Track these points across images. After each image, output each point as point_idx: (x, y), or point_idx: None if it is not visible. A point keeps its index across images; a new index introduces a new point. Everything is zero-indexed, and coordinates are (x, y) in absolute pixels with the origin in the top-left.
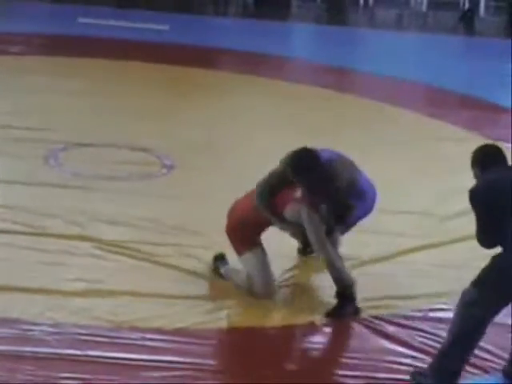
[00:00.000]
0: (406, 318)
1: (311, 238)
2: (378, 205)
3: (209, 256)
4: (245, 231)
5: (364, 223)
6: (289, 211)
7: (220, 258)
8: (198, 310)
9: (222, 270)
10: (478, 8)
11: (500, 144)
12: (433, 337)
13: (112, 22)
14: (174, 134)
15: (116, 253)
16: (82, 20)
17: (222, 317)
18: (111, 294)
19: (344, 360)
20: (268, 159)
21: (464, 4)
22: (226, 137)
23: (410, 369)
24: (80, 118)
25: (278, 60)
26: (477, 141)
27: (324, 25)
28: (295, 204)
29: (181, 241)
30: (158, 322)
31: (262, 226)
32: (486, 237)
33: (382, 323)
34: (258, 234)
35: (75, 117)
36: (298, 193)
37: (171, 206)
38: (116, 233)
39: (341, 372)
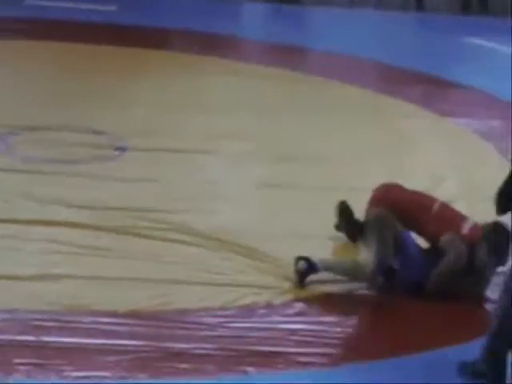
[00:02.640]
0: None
1: (452, 261)
2: (331, 182)
3: (160, 237)
4: None
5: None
6: (449, 237)
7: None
8: (150, 293)
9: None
10: None
11: (450, 120)
12: None
13: (59, 4)
14: (126, 116)
15: (69, 236)
16: (28, 2)
17: (173, 299)
18: (64, 278)
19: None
20: (219, 141)
21: None
22: (179, 118)
23: None
24: (28, 102)
25: (231, 40)
26: (426, 117)
27: (276, 3)
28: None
29: (134, 223)
30: (112, 305)
31: None
32: (499, 206)
33: None
34: None
35: (23, 100)
36: (465, 229)
37: (124, 188)
38: (69, 216)
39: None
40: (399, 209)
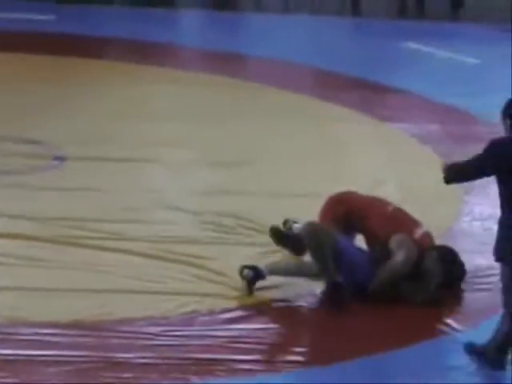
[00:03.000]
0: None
1: (396, 265)
2: (269, 188)
3: (100, 246)
4: None
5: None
6: (398, 240)
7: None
8: (90, 303)
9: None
10: None
11: (388, 124)
12: None
13: None
14: (64, 125)
15: (6, 247)
16: None
17: (114, 308)
18: (3, 289)
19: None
20: (160, 149)
21: None
22: (118, 127)
23: None
24: None
25: (168, 48)
26: (365, 122)
27: (211, 10)
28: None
29: (73, 233)
30: (52, 316)
31: None
32: (460, 175)
33: None
34: None
35: None
36: (418, 234)
37: (63, 197)
38: (6, 227)
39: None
40: (352, 212)
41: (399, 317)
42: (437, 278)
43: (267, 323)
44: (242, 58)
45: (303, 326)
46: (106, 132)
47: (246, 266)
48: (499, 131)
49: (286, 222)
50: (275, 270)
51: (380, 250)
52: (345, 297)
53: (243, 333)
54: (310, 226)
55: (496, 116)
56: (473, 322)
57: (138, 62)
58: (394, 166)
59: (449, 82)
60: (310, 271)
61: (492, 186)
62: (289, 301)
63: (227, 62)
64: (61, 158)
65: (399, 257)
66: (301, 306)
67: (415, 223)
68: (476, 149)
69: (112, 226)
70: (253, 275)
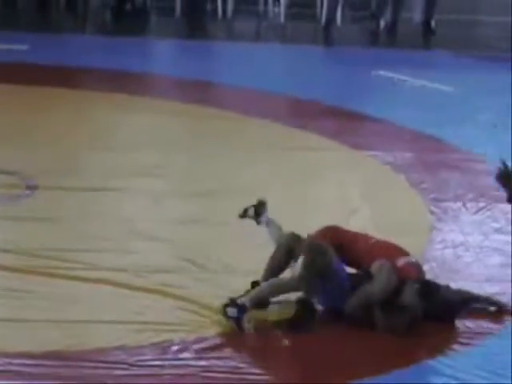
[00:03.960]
0: None
1: (376, 288)
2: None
3: (76, 277)
4: None
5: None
6: (379, 265)
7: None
8: (64, 333)
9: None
10: (334, 17)
11: (361, 152)
12: None
13: None
14: (36, 155)
15: None
16: None
17: (88, 339)
18: None
19: None
20: (132, 179)
21: (321, 15)
22: (90, 156)
23: None
24: None
25: (140, 76)
26: (338, 150)
27: (184, 39)
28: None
29: (46, 263)
30: (26, 346)
31: None
32: None
33: None
34: None
35: None
36: (401, 262)
37: (35, 227)
38: None
39: None
40: (338, 245)
41: (371, 345)
42: (414, 312)
43: (241, 351)
44: (214, 87)
45: (277, 354)
46: (78, 161)
47: (226, 305)
48: (472, 158)
49: (254, 284)
50: (258, 300)
51: (362, 275)
52: (314, 321)
53: (217, 362)
54: (311, 241)
55: (469, 144)
56: (446, 350)
57: (109, 90)
58: (367, 194)
59: (422, 109)
60: (289, 288)
61: (464, 214)
62: (262, 328)
63: (199, 91)
64: (33, 188)
65: (377, 282)
66: (275, 332)
67: (400, 252)
68: (449, 177)
69: (85, 255)
70: (237, 312)
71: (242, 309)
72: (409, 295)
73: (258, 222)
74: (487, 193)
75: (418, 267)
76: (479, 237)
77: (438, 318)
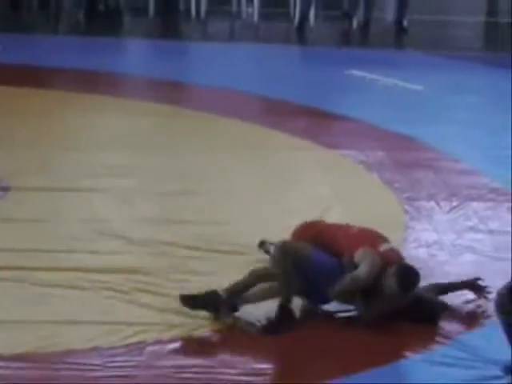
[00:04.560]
0: None
1: (362, 272)
2: (215, 217)
3: (48, 278)
4: None
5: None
6: (362, 253)
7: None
8: (36, 335)
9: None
10: (307, 17)
11: (335, 151)
12: None
13: None
14: (7, 156)
15: None
16: None
17: (61, 340)
18: None
19: None
20: (103, 179)
21: (294, 15)
22: (61, 156)
23: None
24: None
25: (113, 77)
26: (311, 149)
27: (157, 39)
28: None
29: (17, 264)
30: None
31: None
32: None
33: None
34: None
35: None
36: (383, 248)
37: (9, 228)
38: None
39: None
40: (320, 237)
41: (352, 342)
42: (391, 298)
43: (215, 351)
44: (187, 87)
45: (252, 353)
46: (49, 162)
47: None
48: (444, 157)
49: (262, 244)
50: (245, 301)
51: (347, 264)
52: (292, 323)
53: (191, 362)
54: (283, 243)
55: (441, 143)
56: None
57: (82, 91)
58: (341, 193)
59: (394, 108)
60: (276, 292)
61: (437, 213)
62: (237, 327)
63: (173, 91)
64: (5, 189)
65: (362, 267)
66: (249, 332)
67: (381, 239)
68: (422, 176)
69: (56, 255)
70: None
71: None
72: (388, 280)
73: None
74: (460, 191)
75: (398, 253)
76: (452, 235)
77: (420, 320)
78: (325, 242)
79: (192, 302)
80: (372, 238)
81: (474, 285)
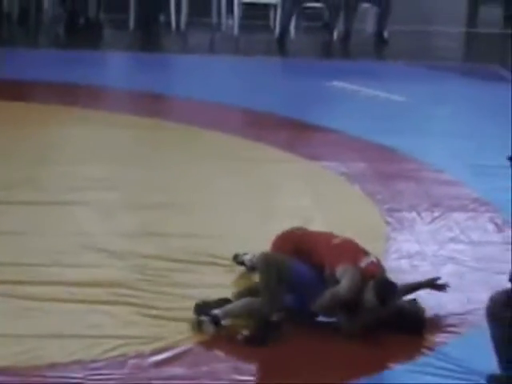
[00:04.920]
0: None
1: (341, 288)
2: (197, 229)
3: (31, 292)
4: None
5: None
6: (342, 269)
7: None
8: (18, 349)
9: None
10: (288, 28)
11: (316, 163)
12: None
13: None
14: None
15: None
16: None
17: (42, 353)
18: None
19: None
20: (85, 192)
21: (275, 27)
22: (42, 170)
23: None
24: None
25: (94, 89)
26: (293, 161)
27: (137, 51)
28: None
29: (3, 277)
30: None
31: None
32: None
33: None
34: None
35: None
36: (364, 263)
37: None
38: None
39: None
40: (300, 248)
41: (338, 352)
42: (372, 311)
43: (198, 363)
44: (168, 99)
45: (236, 364)
46: (29, 175)
47: (199, 305)
48: (425, 168)
49: (236, 256)
50: (229, 313)
51: (328, 278)
52: (276, 335)
53: (173, 374)
54: (265, 255)
55: (423, 153)
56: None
57: (63, 104)
58: (323, 204)
59: (375, 119)
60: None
61: (419, 224)
62: (221, 337)
63: (154, 104)
64: None
65: (343, 283)
66: (233, 343)
67: (362, 253)
68: (403, 187)
69: (40, 269)
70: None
71: (214, 319)
72: (367, 294)
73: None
74: (441, 202)
75: (379, 266)
76: (434, 246)
77: (405, 331)
78: (305, 250)
79: (201, 309)
80: (353, 252)
81: (434, 283)
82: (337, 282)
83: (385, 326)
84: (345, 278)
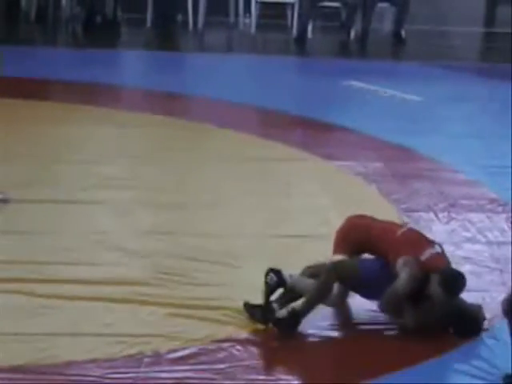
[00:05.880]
0: None
1: (399, 284)
2: (213, 229)
3: (47, 290)
4: None
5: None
6: (402, 262)
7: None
8: (34, 347)
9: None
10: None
11: (333, 163)
12: None
13: None
14: (7, 167)
15: None
16: None
17: (58, 352)
18: None
19: None
20: (103, 191)
21: (292, 26)
22: (59, 168)
23: None
24: None
25: (112, 89)
26: (309, 160)
27: (154, 50)
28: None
29: (16, 276)
30: None
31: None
32: None
33: None
34: None
35: None
36: (426, 254)
37: (10, 240)
38: None
39: None
40: (364, 241)
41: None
42: (440, 305)
43: (215, 363)
44: (185, 98)
45: (253, 364)
46: (47, 174)
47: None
48: (442, 168)
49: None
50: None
51: (393, 275)
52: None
53: (190, 374)
54: (335, 263)
55: (440, 153)
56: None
57: (80, 102)
58: (339, 204)
59: (392, 119)
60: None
61: (436, 224)
62: (239, 339)
63: (171, 103)
64: (4, 201)
65: (400, 278)
66: (249, 342)
67: (426, 244)
68: (420, 187)
69: (56, 267)
70: (276, 280)
71: (281, 280)
72: (433, 286)
73: (284, 285)
74: (458, 202)
75: (444, 257)
76: (451, 246)
77: (464, 332)
78: (371, 241)
79: (252, 311)
80: (415, 243)
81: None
82: (396, 275)
83: (446, 325)
84: (403, 271)
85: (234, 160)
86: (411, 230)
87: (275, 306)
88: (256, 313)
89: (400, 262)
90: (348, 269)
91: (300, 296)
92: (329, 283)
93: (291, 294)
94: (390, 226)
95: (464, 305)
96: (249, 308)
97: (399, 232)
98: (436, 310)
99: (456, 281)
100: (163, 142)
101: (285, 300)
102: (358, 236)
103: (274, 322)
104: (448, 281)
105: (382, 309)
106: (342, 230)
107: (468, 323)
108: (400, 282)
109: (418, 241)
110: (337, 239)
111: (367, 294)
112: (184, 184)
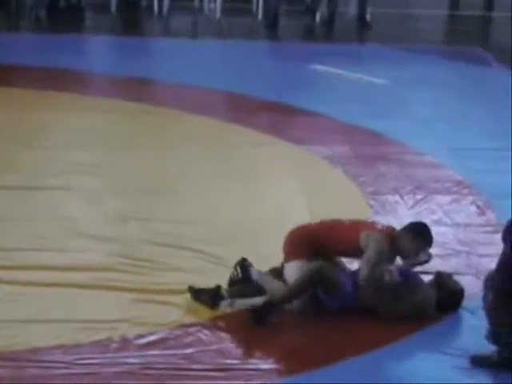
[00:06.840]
0: None
1: (369, 253)
2: (182, 215)
3: (15, 277)
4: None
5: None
6: (364, 236)
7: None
8: (1, 334)
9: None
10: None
11: (300, 147)
12: None
13: None
14: None
15: None
16: None
17: (26, 338)
18: None
19: None
20: (72, 177)
21: (257, 11)
22: (29, 155)
23: None
24: None
25: (78, 74)
26: (277, 144)
27: (120, 35)
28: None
29: None
30: None
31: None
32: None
33: None
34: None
35: None
36: (379, 227)
37: None
38: None
39: None
40: (316, 240)
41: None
42: (418, 254)
43: (182, 347)
44: (152, 84)
45: (220, 349)
46: (16, 160)
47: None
48: (408, 151)
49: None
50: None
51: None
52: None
53: (157, 359)
54: (320, 266)
55: (405, 137)
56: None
57: (45, 88)
58: (306, 187)
59: (357, 103)
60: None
61: (402, 207)
62: (203, 323)
63: (137, 88)
64: None
65: (370, 248)
66: (216, 327)
67: (373, 223)
68: (386, 170)
69: (25, 254)
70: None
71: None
72: (402, 243)
73: (249, 279)
74: (424, 185)
75: (392, 227)
76: None
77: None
78: (321, 244)
79: (196, 294)
80: (367, 222)
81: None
82: (362, 251)
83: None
84: (370, 242)
85: (203, 145)
86: (355, 220)
87: (225, 293)
88: (202, 295)
89: (362, 237)
90: (332, 275)
91: (251, 294)
92: (311, 282)
93: (250, 288)
94: (335, 222)
95: (446, 279)
96: (194, 291)
97: (346, 222)
98: (415, 261)
99: (425, 226)
100: (131, 127)
101: (237, 291)
102: (308, 240)
103: (249, 309)
104: (418, 226)
105: (363, 285)
106: (290, 239)
107: (450, 297)
108: (369, 252)
109: (367, 222)
110: (290, 246)
111: (337, 301)
112: (154, 170)
